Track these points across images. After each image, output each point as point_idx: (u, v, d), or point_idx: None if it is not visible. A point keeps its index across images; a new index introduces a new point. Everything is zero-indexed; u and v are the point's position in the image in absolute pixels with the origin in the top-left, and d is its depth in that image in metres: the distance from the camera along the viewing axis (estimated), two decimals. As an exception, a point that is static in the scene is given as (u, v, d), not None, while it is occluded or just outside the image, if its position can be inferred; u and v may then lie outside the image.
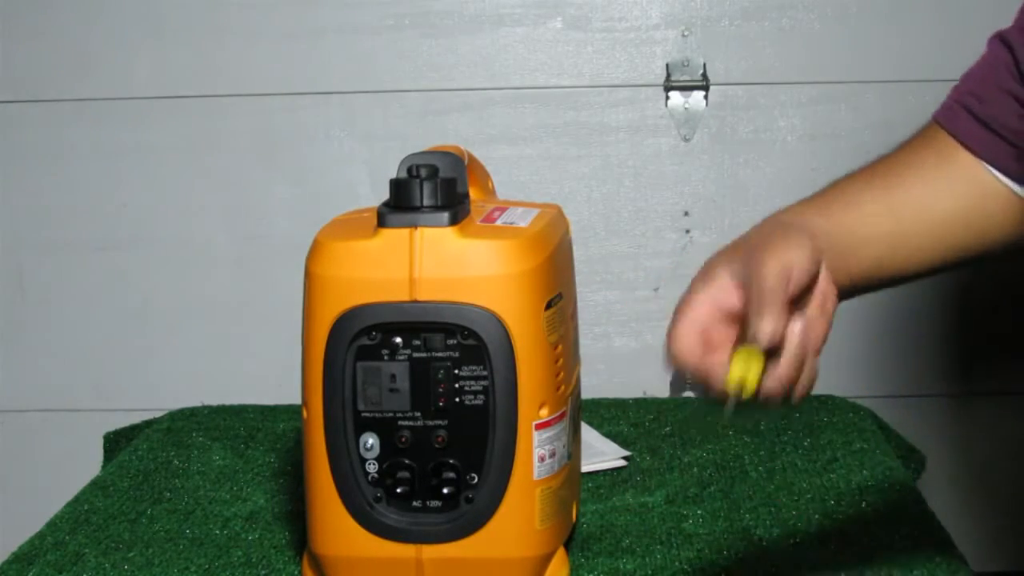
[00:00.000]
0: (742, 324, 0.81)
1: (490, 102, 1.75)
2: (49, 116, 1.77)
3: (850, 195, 0.92)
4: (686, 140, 1.75)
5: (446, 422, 0.97)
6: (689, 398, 1.74)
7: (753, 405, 0.81)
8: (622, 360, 1.79)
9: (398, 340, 0.96)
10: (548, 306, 0.98)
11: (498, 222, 1.01)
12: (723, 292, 0.83)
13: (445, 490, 0.97)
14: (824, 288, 0.85)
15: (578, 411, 1.10)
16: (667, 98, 1.74)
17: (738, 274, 0.82)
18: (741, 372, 0.79)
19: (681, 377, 0.79)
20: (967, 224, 0.93)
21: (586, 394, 1.22)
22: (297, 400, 1.00)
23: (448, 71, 1.75)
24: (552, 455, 0.99)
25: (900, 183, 0.93)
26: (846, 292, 0.89)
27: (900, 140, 0.98)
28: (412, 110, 1.76)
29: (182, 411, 1.52)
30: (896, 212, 0.92)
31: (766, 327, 0.79)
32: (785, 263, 0.81)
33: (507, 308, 0.95)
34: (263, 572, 1.08)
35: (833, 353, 1.79)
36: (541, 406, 0.97)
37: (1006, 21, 0.96)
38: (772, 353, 0.80)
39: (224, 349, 1.81)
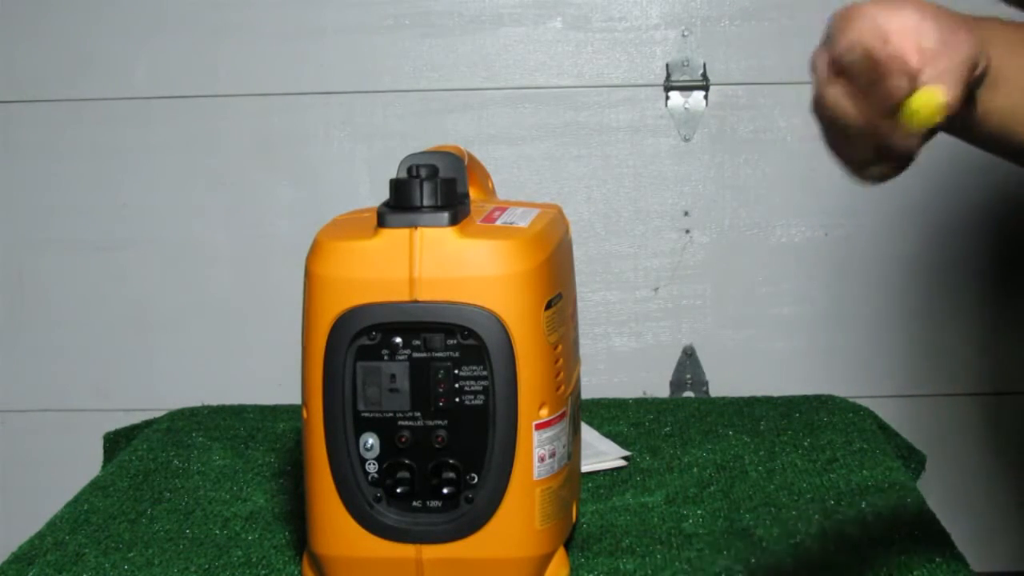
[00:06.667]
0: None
1: (490, 102, 1.75)
2: (49, 116, 1.77)
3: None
4: (686, 140, 1.75)
5: (446, 422, 0.97)
6: (689, 398, 1.74)
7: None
8: (622, 360, 1.79)
9: (398, 340, 0.96)
10: (548, 306, 0.98)
11: (498, 222, 1.01)
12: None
13: (445, 490, 0.97)
14: None
15: (578, 411, 1.10)
16: (667, 98, 1.74)
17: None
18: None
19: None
20: None
21: (586, 394, 1.22)
22: (297, 400, 1.00)
23: (448, 71, 1.75)
24: (552, 455, 0.99)
25: None
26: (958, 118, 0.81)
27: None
28: (412, 110, 1.76)
29: (182, 411, 1.51)
30: None
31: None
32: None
33: (507, 308, 0.95)
34: (263, 572, 1.08)
35: (833, 353, 1.81)
36: (541, 406, 0.97)
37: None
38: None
39: (224, 349, 1.81)
